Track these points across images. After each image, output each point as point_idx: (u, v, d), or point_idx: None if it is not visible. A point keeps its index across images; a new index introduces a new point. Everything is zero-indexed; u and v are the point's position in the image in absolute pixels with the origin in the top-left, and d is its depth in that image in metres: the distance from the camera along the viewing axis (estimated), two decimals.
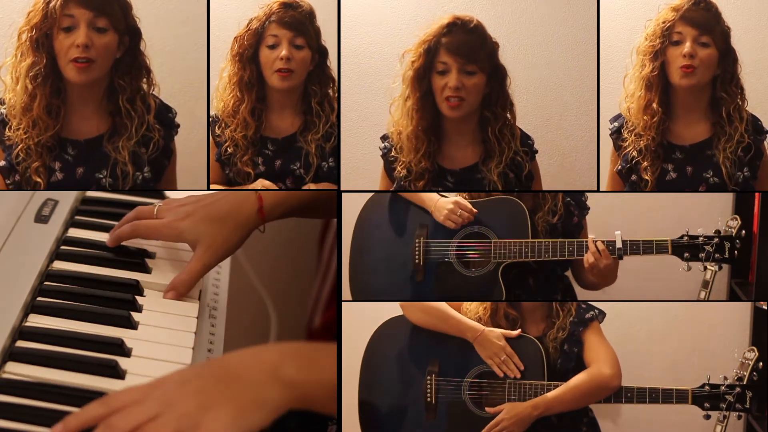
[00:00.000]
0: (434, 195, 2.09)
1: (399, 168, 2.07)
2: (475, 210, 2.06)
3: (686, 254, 2.03)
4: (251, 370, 1.33)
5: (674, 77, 2.05)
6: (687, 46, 2.02)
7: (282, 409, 1.32)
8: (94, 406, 1.27)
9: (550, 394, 2.01)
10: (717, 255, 2.02)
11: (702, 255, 2.03)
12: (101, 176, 1.97)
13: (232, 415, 1.27)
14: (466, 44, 2.02)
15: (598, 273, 2.03)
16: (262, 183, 2.07)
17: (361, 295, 2.14)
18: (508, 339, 2.04)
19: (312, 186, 2.08)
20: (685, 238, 2.03)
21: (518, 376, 2.02)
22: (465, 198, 2.09)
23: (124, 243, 1.75)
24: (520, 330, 2.05)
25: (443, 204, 2.07)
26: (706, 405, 2.02)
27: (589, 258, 2.01)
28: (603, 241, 2.01)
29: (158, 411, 1.25)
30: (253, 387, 1.31)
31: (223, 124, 2.11)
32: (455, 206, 2.06)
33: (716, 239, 2.02)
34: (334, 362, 1.39)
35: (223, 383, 1.30)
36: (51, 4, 1.90)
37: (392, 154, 2.08)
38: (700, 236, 2.03)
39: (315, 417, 1.83)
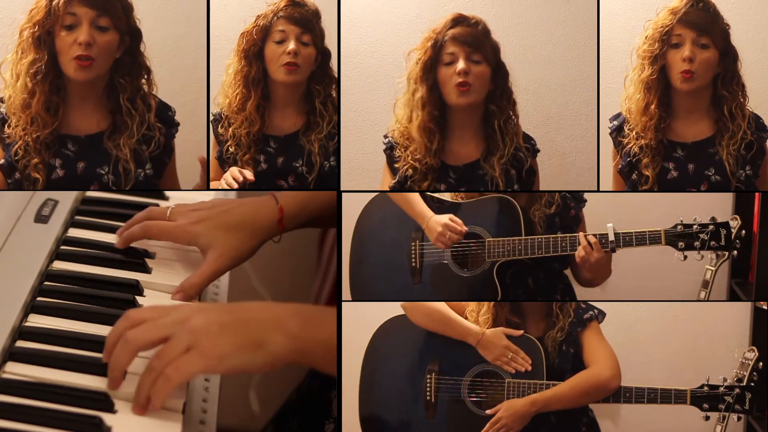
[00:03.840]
0: (427, 212, 2.08)
1: (403, 166, 2.07)
2: (465, 229, 2.06)
3: (681, 244, 1.99)
4: (260, 315, 1.42)
5: (675, 81, 2.05)
6: (686, 50, 2.02)
7: (283, 358, 1.39)
8: (117, 323, 1.39)
9: (549, 391, 2.01)
10: (713, 243, 1.99)
11: (697, 244, 1.99)
12: (103, 172, 1.97)
13: (234, 344, 1.37)
14: (472, 35, 2.04)
15: (590, 267, 2.03)
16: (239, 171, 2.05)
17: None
18: (510, 337, 2.05)
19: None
20: (679, 227, 2.00)
21: (529, 369, 2.02)
22: (461, 198, 2.09)
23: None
24: (522, 331, 2.05)
25: (434, 226, 2.07)
26: (705, 406, 2.00)
27: (579, 252, 2.01)
28: (595, 235, 2.01)
29: (173, 328, 1.36)
30: (259, 329, 1.39)
31: (226, 123, 2.11)
32: (444, 229, 2.06)
33: (711, 226, 1.99)
34: (333, 323, 1.45)
35: (234, 319, 1.40)
36: (54, 2, 1.90)
37: (396, 152, 2.08)
38: (695, 224, 2.00)
39: (315, 416, 1.84)
